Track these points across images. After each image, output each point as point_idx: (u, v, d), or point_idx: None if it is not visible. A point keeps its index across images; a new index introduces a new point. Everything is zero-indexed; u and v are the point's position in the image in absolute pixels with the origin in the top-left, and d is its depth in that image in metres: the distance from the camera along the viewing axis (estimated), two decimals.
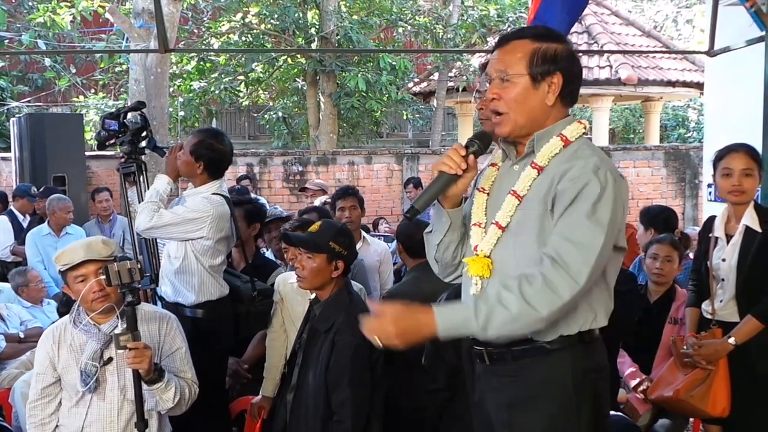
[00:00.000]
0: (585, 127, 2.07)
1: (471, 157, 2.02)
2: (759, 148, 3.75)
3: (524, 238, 2.00)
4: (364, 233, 4.76)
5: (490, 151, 2.30)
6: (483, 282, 2.08)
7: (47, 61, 15.01)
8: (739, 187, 3.29)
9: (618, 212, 1.94)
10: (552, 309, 1.85)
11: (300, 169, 11.20)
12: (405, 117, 17.05)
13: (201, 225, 3.49)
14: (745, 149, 3.32)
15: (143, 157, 3.80)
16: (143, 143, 3.73)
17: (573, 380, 2.00)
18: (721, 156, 3.36)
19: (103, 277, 2.63)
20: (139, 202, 3.67)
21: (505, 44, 2.06)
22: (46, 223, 6.72)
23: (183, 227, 3.47)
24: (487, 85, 2.09)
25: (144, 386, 2.70)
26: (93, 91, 16.33)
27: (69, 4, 12.08)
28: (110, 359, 2.79)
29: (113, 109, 3.82)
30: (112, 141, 3.67)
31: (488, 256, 2.06)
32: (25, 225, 7.35)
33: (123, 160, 3.72)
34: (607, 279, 2.03)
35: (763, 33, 4.12)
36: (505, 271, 2.04)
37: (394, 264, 5.35)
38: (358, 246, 4.49)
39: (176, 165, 3.62)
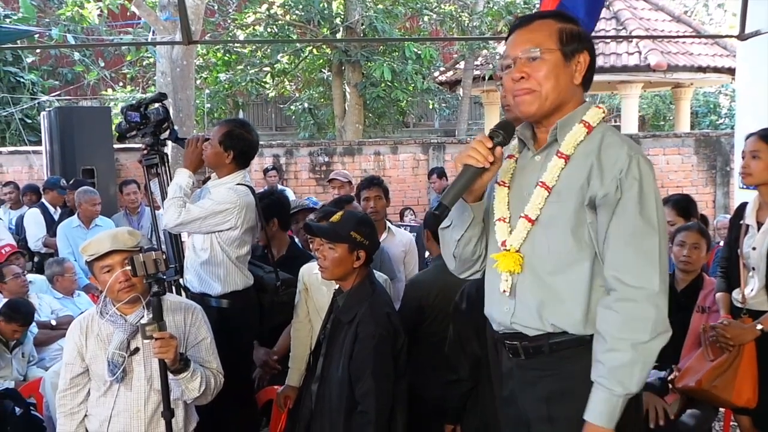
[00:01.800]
0: (604, 112, 2.03)
1: (498, 148, 1.95)
2: None
3: (557, 231, 1.96)
4: (389, 224, 4.75)
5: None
6: (513, 278, 2.03)
7: (76, 55, 15.21)
8: (745, 169, 3.29)
9: (659, 198, 1.93)
10: (648, 329, 1.87)
11: (326, 159, 11.23)
12: (431, 106, 17.00)
13: (229, 216, 3.51)
14: (761, 132, 3.30)
15: (165, 148, 3.82)
16: (165, 134, 3.75)
17: None
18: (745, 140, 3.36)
19: (129, 267, 2.65)
20: (161, 193, 3.70)
21: (527, 24, 2.01)
22: (76, 215, 6.81)
23: (211, 220, 3.50)
24: (503, 70, 2.03)
25: (170, 376, 2.72)
26: (121, 84, 16.51)
27: None
28: (137, 349, 2.81)
29: (133, 101, 3.83)
30: (133, 133, 3.70)
31: (518, 251, 2.01)
32: (56, 217, 7.45)
33: (145, 151, 3.75)
34: None
35: None
36: (537, 266, 1.99)
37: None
38: (383, 237, 4.50)
39: (195, 157, 3.63)
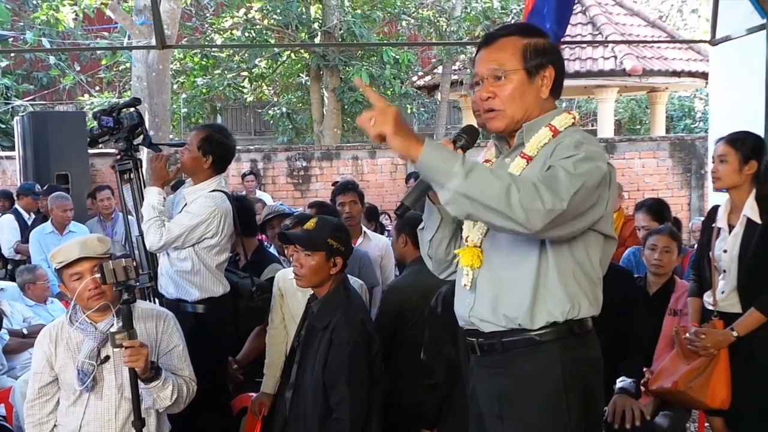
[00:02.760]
0: (574, 118, 2.07)
1: (460, 151, 2.00)
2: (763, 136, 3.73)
3: None
4: (364, 228, 4.74)
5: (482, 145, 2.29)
6: (474, 272, 2.09)
7: (52, 59, 15.04)
8: (715, 173, 3.33)
9: (602, 184, 1.89)
10: (528, 207, 1.74)
11: (304, 164, 11.19)
12: (409, 111, 17.00)
13: (210, 227, 3.50)
14: (728, 137, 3.33)
15: (139, 154, 3.79)
16: (138, 140, 3.72)
17: (562, 373, 2.00)
18: None
19: (99, 275, 2.62)
20: (134, 199, 3.67)
21: (492, 42, 2.06)
22: (49, 221, 6.73)
23: (194, 233, 3.49)
24: (476, 87, 2.08)
25: (141, 384, 2.69)
26: (98, 88, 16.36)
27: (71, 2, 12.09)
28: (107, 358, 2.78)
29: (106, 106, 3.80)
30: (105, 138, 3.67)
31: (478, 246, 2.08)
32: (30, 223, 7.37)
33: (118, 157, 3.71)
34: (593, 265, 2.01)
35: (764, 21, 4.08)
36: (494, 261, 2.05)
37: None
38: (359, 241, 4.50)
39: (162, 173, 3.60)
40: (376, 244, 4.64)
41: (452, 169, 1.74)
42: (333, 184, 7.08)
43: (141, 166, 3.76)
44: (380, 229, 6.38)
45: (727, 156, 3.26)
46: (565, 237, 1.91)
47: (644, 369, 3.52)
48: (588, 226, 1.92)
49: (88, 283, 2.70)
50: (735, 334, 3.20)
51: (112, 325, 2.74)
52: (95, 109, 4.06)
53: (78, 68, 15.70)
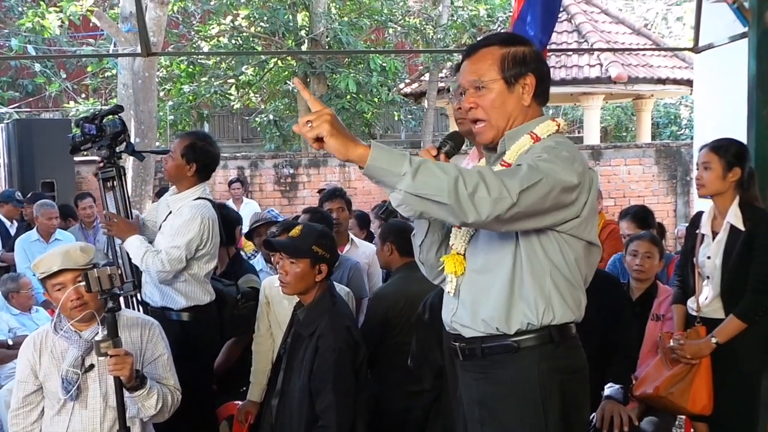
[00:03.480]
0: (558, 125, 2.08)
1: (442, 156, 2.03)
2: (746, 143, 3.76)
3: (491, 233, 2.03)
4: (352, 236, 4.74)
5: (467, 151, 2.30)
6: (457, 279, 2.11)
7: (37, 67, 14.97)
8: (699, 181, 3.34)
9: (577, 189, 1.91)
10: (474, 197, 1.73)
11: (291, 171, 11.17)
12: (397, 118, 17.05)
13: (201, 237, 3.50)
14: (711, 144, 3.35)
15: (121, 161, 3.77)
16: (121, 147, 3.71)
17: (540, 380, 2.00)
18: None
19: (83, 284, 2.60)
20: (116, 207, 3.64)
21: (473, 54, 2.09)
22: (34, 229, 6.68)
23: (192, 246, 3.47)
24: (461, 97, 2.11)
25: (126, 393, 2.67)
26: (83, 96, 16.29)
27: (57, 9, 12.06)
28: (92, 366, 2.76)
29: (89, 113, 3.78)
30: (88, 145, 3.65)
31: (461, 254, 2.10)
32: (12, 231, 7.31)
33: (101, 164, 3.70)
34: (570, 268, 2.01)
35: (746, 29, 4.12)
36: (474, 267, 2.08)
37: None
38: (346, 248, 4.49)
39: (125, 227, 3.56)
40: (363, 252, 4.63)
41: (401, 170, 1.72)
42: (319, 191, 7.07)
43: (124, 174, 3.74)
44: (371, 237, 6.38)
45: (711, 163, 3.28)
46: (529, 228, 1.92)
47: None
48: (556, 223, 1.93)
49: (70, 294, 2.69)
50: (715, 341, 3.22)
51: (97, 333, 2.73)
52: (77, 117, 4.05)
53: (64, 75, 15.63)
